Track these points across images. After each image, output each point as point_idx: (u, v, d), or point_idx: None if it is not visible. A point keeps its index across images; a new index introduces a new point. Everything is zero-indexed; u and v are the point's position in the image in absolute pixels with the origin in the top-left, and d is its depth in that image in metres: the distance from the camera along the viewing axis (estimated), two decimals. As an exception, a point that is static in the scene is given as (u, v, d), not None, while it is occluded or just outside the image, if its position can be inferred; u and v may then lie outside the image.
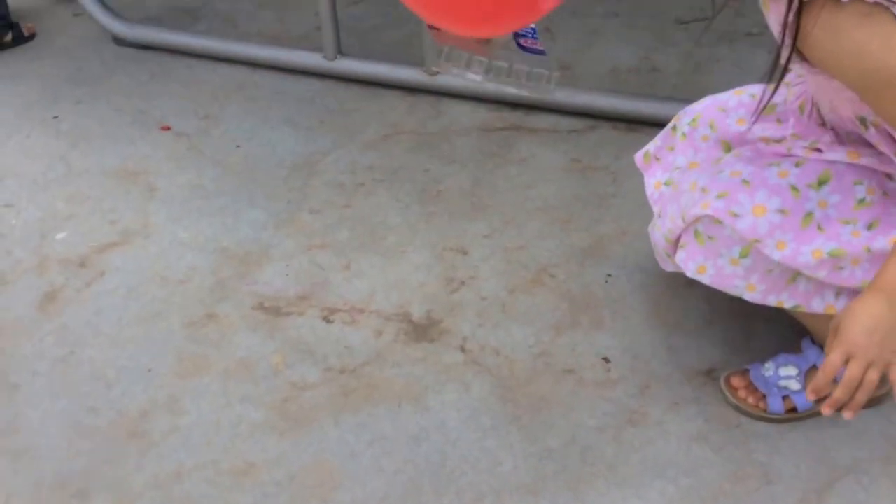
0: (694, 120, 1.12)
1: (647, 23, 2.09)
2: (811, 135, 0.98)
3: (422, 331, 1.29)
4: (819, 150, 0.97)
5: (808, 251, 0.94)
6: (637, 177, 1.57)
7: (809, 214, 0.95)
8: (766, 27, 2.21)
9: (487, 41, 1.36)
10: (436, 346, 1.26)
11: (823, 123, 0.98)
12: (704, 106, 1.12)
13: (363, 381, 1.20)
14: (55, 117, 1.87)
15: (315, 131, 1.77)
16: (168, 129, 1.81)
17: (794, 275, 0.99)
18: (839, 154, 0.96)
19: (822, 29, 0.78)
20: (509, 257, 1.41)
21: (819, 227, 0.95)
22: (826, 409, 0.84)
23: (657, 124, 1.67)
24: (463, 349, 1.25)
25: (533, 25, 1.47)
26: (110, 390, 1.21)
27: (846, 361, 0.82)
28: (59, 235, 1.52)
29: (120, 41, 2.13)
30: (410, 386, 1.19)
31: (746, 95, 1.10)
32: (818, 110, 0.98)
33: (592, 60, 1.92)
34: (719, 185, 0.99)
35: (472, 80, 1.21)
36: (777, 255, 0.95)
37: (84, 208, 1.59)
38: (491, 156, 1.67)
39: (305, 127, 1.79)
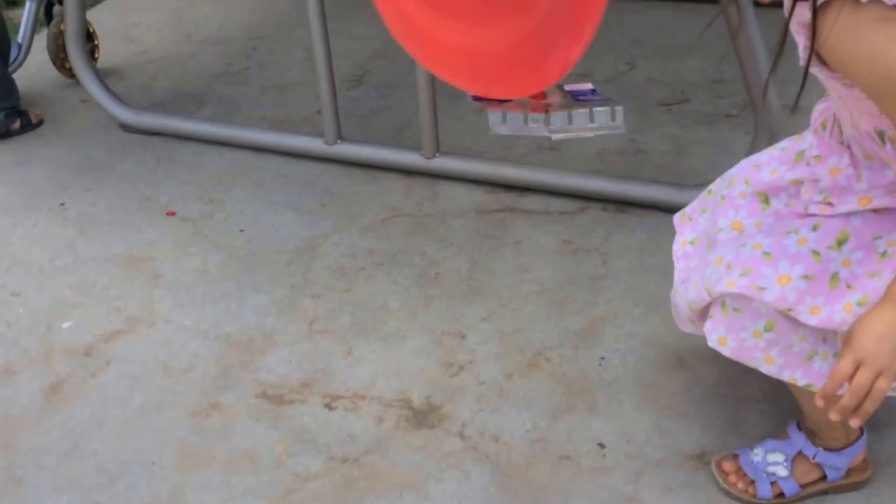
0: (731, 182, 1.14)
1: (631, 105, 2.18)
2: (831, 155, 1.00)
3: (422, 417, 1.31)
4: (831, 205, 0.99)
5: (840, 308, 0.96)
6: (626, 259, 1.64)
7: (835, 276, 0.97)
8: (744, 108, 2.28)
9: (542, 98, 1.39)
10: (436, 432, 1.29)
11: (842, 142, 1.00)
12: (739, 168, 1.16)
13: (365, 471, 1.23)
14: (62, 204, 1.93)
15: (316, 215, 1.84)
16: (173, 214, 1.86)
17: (812, 353, 1.01)
18: (851, 203, 0.98)
19: (840, 31, 0.78)
20: (506, 341, 1.45)
21: (848, 286, 0.97)
22: (833, 415, 0.85)
23: (644, 206, 1.75)
24: (462, 435, 1.28)
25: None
26: (114, 484, 1.23)
27: (856, 368, 0.83)
28: (66, 324, 1.56)
29: (127, 127, 2.21)
30: (411, 474, 1.22)
31: (777, 150, 1.13)
32: (839, 127, 1.00)
33: (580, 142, 2.00)
34: (742, 261, 1.01)
35: (535, 135, 1.23)
36: (814, 321, 0.96)
37: (90, 296, 1.63)
38: (487, 238, 1.72)
39: (307, 210, 1.85)
